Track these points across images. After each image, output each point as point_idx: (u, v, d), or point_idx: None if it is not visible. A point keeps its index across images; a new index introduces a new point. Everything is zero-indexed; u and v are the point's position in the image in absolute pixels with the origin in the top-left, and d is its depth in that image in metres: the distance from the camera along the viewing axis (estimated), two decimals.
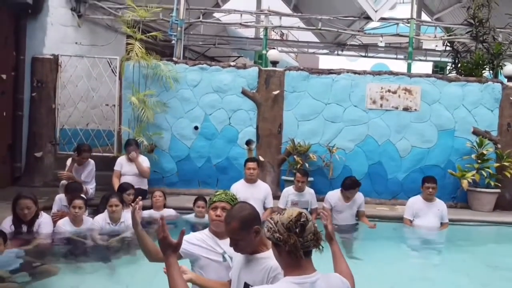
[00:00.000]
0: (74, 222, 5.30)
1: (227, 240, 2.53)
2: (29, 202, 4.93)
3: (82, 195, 5.66)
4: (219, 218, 2.90)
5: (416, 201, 6.59)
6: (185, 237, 2.77)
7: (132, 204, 5.76)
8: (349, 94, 8.18)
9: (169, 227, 2.39)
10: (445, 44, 10.68)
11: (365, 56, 14.82)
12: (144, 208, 4.78)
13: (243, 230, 2.39)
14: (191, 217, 6.26)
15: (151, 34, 8.42)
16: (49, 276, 4.25)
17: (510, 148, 8.04)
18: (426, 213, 6.48)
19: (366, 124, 8.18)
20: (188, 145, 8.18)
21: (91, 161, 6.95)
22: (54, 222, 5.29)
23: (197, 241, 2.98)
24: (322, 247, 2.07)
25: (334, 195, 6.61)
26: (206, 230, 3.09)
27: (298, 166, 7.65)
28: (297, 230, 1.99)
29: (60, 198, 5.90)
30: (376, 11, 10.07)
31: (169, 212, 6.39)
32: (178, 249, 2.32)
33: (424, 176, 6.93)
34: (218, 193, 3.07)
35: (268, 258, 2.38)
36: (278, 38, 18.77)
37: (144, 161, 7.13)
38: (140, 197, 2.93)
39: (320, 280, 2.02)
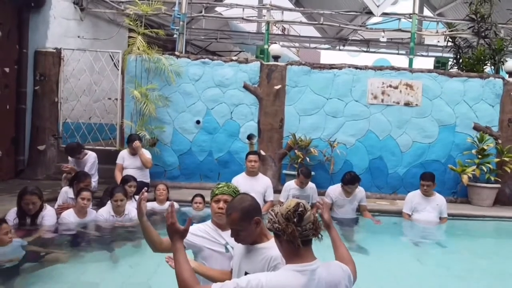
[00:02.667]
0: (78, 214, 5.36)
1: (230, 232, 2.57)
2: (34, 198, 4.99)
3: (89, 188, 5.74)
4: (221, 211, 2.93)
5: (415, 195, 6.64)
6: (189, 229, 2.81)
7: (134, 196, 5.89)
8: (350, 89, 8.21)
9: None
10: (446, 40, 10.69)
11: (366, 51, 14.81)
12: (147, 201, 4.84)
13: (243, 220, 2.43)
14: (189, 210, 6.40)
15: (153, 30, 8.44)
16: (56, 264, 4.32)
17: (510, 143, 8.07)
18: (425, 207, 6.52)
19: (367, 119, 8.21)
20: (190, 139, 8.23)
21: (92, 154, 6.96)
22: (58, 215, 5.35)
23: (200, 233, 3.02)
24: (321, 236, 2.12)
25: (335, 190, 6.66)
26: (209, 222, 3.13)
27: (299, 160, 7.70)
28: (295, 219, 2.05)
29: (66, 191, 5.93)
30: (378, 6, 10.08)
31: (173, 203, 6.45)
32: (185, 236, 2.36)
33: (423, 171, 6.97)
34: (220, 185, 3.09)
35: (269, 248, 2.43)
36: (280, 33, 18.75)
37: (146, 153, 7.16)
38: (145, 188, 2.97)
39: (320, 268, 2.08)
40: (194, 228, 3.03)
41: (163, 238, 2.80)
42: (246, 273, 2.43)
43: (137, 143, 6.93)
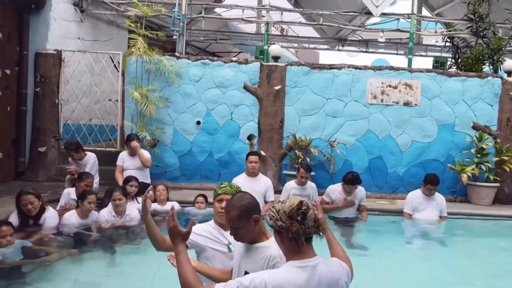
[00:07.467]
0: (81, 215, 5.38)
1: None
2: (31, 198, 4.93)
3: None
4: (224, 211, 2.95)
5: (415, 195, 6.65)
6: (192, 228, 2.83)
7: (136, 196, 5.92)
8: (350, 89, 8.24)
9: None
10: (445, 40, 10.73)
11: (365, 52, 14.85)
12: None
13: (242, 218, 2.45)
14: (191, 209, 6.46)
15: (154, 32, 8.46)
16: (58, 264, 4.34)
17: (509, 142, 8.11)
18: (426, 207, 6.54)
19: (367, 119, 8.25)
20: (191, 139, 8.26)
21: (92, 155, 6.94)
22: (61, 215, 5.36)
23: (203, 232, 3.04)
24: (322, 233, 2.16)
25: (335, 189, 6.67)
26: (212, 222, 3.15)
27: (300, 160, 7.73)
28: (299, 218, 2.08)
29: (68, 192, 5.95)
30: (377, 7, 10.11)
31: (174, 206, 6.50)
32: (187, 238, 2.38)
33: (424, 171, 7.05)
34: (223, 185, 3.11)
35: (268, 247, 2.45)
36: (278, 33, 18.78)
37: (145, 152, 7.16)
38: (151, 186, 2.99)
39: (321, 264, 2.13)
40: (197, 228, 3.05)
41: (166, 237, 2.83)
42: (246, 272, 2.45)
43: (134, 143, 6.92)
